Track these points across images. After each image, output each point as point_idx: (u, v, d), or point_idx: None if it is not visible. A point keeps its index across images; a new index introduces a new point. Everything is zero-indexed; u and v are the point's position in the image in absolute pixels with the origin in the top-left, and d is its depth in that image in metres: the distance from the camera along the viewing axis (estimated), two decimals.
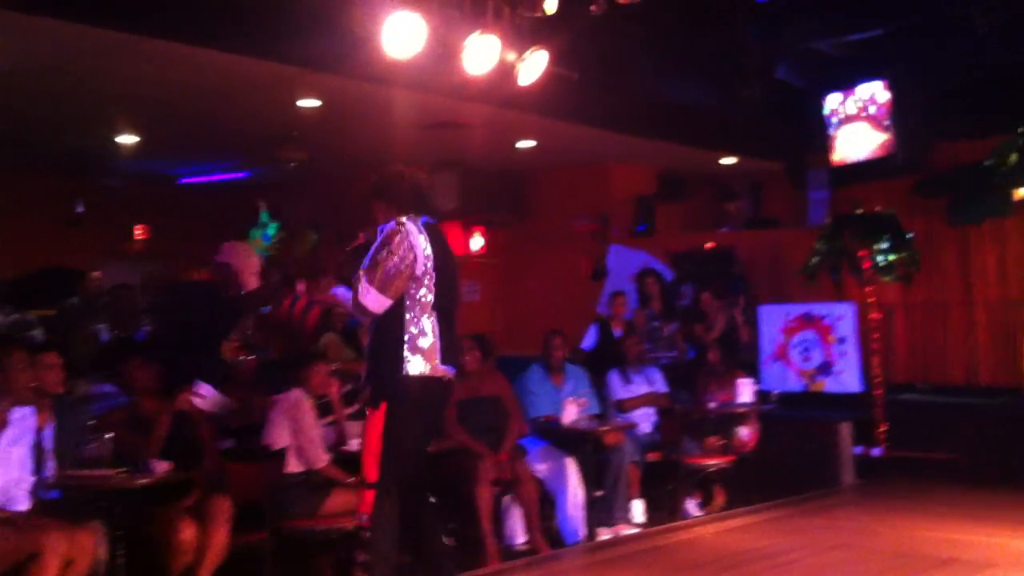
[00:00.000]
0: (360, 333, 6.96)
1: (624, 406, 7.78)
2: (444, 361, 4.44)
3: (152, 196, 12.06)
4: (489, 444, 6.45)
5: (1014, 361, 9.60)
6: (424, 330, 4.38)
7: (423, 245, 4.41)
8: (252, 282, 6.15)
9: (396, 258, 4.33)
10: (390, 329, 4.37)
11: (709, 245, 11.40)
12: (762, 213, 12.36)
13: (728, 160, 11.60)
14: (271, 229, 10.83)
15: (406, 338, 4.34)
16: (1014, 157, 9.44)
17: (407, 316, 4.36)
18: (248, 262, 6.25)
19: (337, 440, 5.87)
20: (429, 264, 4.41)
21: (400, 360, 4.33)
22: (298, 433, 5.52)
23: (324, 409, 5.87)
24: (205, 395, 5.52)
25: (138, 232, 12.51)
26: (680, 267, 10.83)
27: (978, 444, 8.54)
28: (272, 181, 11.64)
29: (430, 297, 4.41)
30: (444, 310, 4.47)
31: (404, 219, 4.44)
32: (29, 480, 4.57)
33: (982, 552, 5.89)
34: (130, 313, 7.02)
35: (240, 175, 11.76)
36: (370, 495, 4.32)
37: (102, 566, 4.60)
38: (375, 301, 4.32)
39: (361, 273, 4.35)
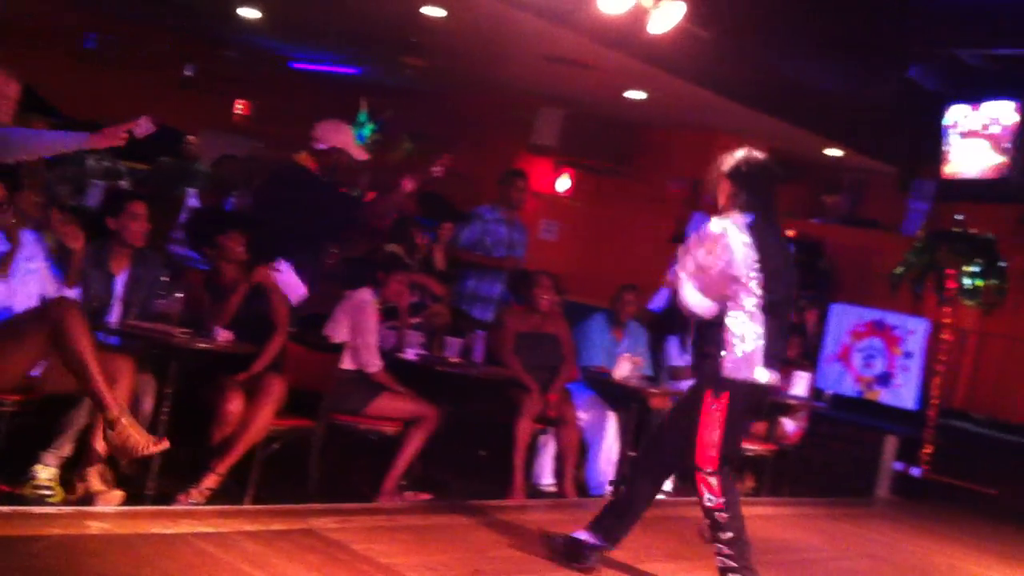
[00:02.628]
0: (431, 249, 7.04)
1: (678, 374, 7.78)
2: (767, 365, 4.38)
3: (262, 74, 12.21)
4: (540, 381, 6.51)
5: None
6: (747, 334, 4.33)
7: (747, 245, 4.33)
8: (358, 154, 6.13)
9: (714, 260, 4.32)
10: (713, 331, 4.39)
11: (791, 233, 11.23)
12: (858, 212, 12.13)
13: (836, 152, 11.37)
14: (367, 130, 10.89)
15: (727, 342, 4.33)
16: None
17: (729, 318, 4.34)
18: (350, 135, 6.23)
19: (396, 346, 5.98)
20: (755, 266, 4.32)
21: (720, 363, 4.35)
22: (357, 333, 5.63)
23: (389, 313, 5.96)
24: (283, 271, 5.59)
25: (239, 106, 12.69)
26: None
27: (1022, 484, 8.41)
28: (380, 83, 11.69)
29: (754, 299, 4.34)
30: (775, 312, 4.38)
31: (730, 220, 4.38)
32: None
33: None
34: (229, 184, 7.08)
35: (351, 71, 11.83)
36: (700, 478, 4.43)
37: (146, 419, 4.73)
38: (698, 302, 4.38)
39: (680, 272, 4.39)
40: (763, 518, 6.77)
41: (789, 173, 11.73)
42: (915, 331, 9.22)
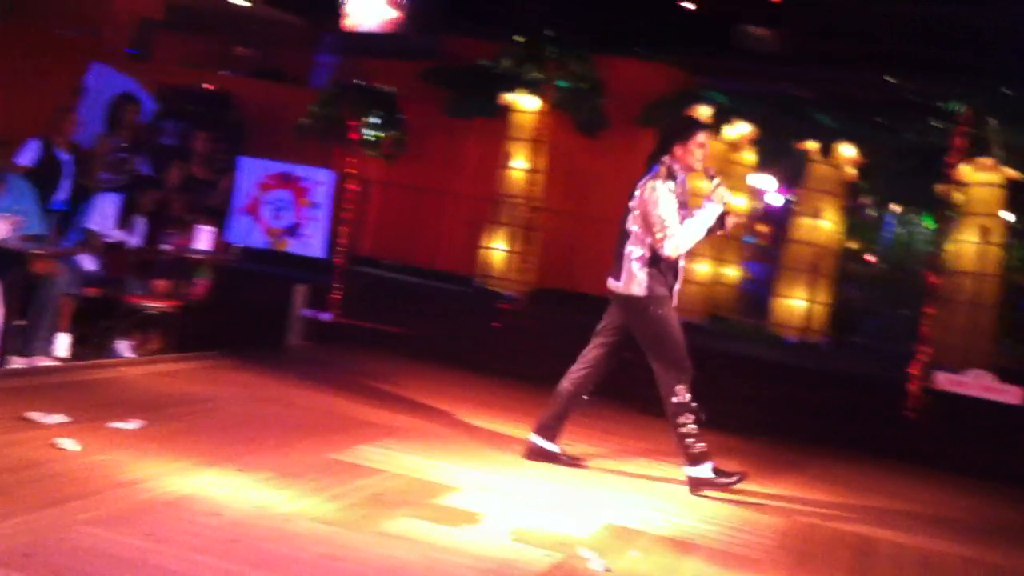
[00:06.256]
0: None
1: (94, 242, 7.27)
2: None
3: None
4: None
5: (474, 251, 10.25)
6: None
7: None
8: None
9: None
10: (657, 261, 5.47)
11: (208, 86, 10.91)
12: (270, 65, 12.07)
13: (244, 2, 11.13)
14: None
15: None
16: (508, 63, 10.00)
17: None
18: None
19: None
20: None
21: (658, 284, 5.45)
22: None
23: None
24: None
25: None
26: (170, 103, 10.25)
27: (426, 322, 9.05)
28: None
29: None
30: None
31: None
32: None
33: (392, 419, 6.25)
34: None
35: None
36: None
37: None
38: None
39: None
40: (168, 374, 6.62)
41: (190, 22, 11.38)
42: (322, 182, 9.40)
